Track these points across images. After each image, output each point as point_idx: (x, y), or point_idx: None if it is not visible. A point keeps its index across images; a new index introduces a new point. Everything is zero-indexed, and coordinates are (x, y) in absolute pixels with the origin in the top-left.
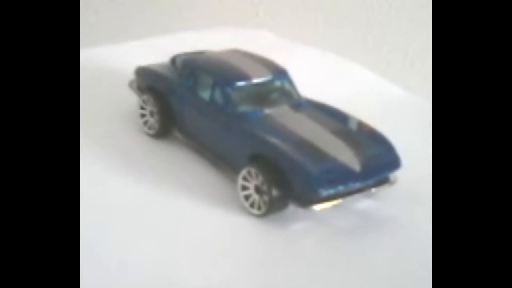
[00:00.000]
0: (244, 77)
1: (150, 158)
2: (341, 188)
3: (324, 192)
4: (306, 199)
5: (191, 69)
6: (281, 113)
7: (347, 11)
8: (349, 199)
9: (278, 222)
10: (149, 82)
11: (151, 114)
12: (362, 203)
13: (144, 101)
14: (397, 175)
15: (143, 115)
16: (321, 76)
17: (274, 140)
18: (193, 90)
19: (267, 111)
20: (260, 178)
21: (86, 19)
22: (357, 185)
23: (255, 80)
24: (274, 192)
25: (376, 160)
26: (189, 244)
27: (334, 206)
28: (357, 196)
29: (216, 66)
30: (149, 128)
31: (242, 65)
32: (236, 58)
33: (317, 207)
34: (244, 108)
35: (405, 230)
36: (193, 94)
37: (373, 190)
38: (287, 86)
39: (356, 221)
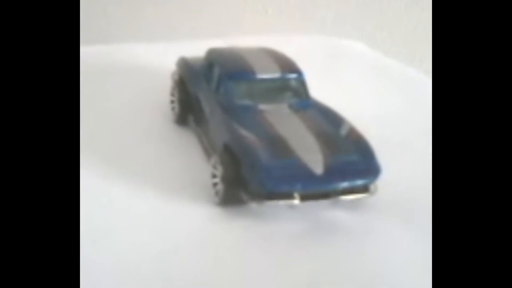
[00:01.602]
0: (249, 72)
1: (159, 143)
2: (295, 187)
3: (273, 187)
4: (259, 194)
5: (209, 61)
6: (275, 110)
7: (356, 8)
8: (315, 206)
9: (241, 214)
10: (180, 72)
11: (175, 102)
12: (331, 211)
13: (172, 90)
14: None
15: (172, 102)
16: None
17: (244, 133)
18: (207, 80)
19: (262, 106)
20: (220, 167)
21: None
22: (315, 187)
23: (260, 76)
24: (227, 183)
25: (347, 167)
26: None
27: (291, 207)
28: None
29: (228, 60)
30: (174, 115)
31: (254, 61)
32: (255, 54)
33: (269, 203)
34: (240, 101)
35: (358, 243)
36: (206, 85)
37: (348, 198)
38: (294, 85)
39: (309, 227)
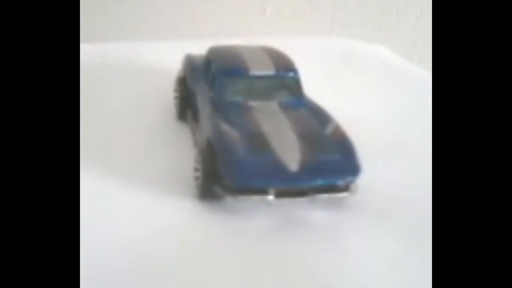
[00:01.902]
0: (242, 69)
1: (158, 138)
2: (267, 183)
3: (245, 183)
4: (233, 188)
5: (207, 58)
6: (264, 107)
7: (354, 9)
8: (293, 203)
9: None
10: (183, 69)
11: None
12: (311, 209)
13: (175, 86)
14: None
15: (175, 99)
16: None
17: (225, 128)
18: (204, 77)
19: (252, 103)
20: (199, 161)
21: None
22: (289, 184)
23: (253, 73)
24: (204, 176)
25: (324, 165)
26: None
27: (267, 203)
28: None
29: (225, 57)
30: (176, 111)
31: (250, 58)
32: (253, 52)
33: (243, 198)
34: (230, 97)
35: (331, 242)
36: (203, 81)
37: (325, 196)
38: (288, 83)
39: (284, 223)
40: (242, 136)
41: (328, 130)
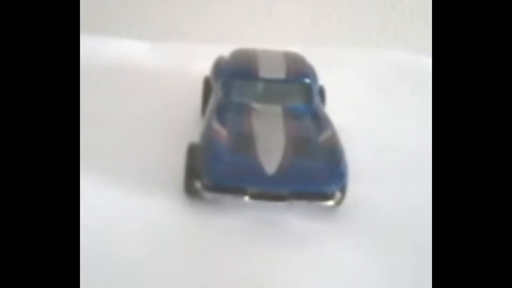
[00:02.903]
0: (252, 72)
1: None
2: (241, 182)
3: (219, 180)
4: (211, 186)
5: (226, 60)
6: (265, 110)
7: (360, 9)
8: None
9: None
10: (210, 70)
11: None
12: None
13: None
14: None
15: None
16: None
17: (216, 126)
18: (221, 78)
19: (256, 105)
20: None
21: None
22: (263, 186)
23: (263, 76)
24: (187, 173)
25: (303, 171)
26: None
27: (244, 204)
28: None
29: (239, 59)
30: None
31: (265, 62)
32: (272, 56)
33: (219, 196)
34: (236, 98)
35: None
36: (219, 82)
37: (302, 203)
38: (298, 89)
39: (260, 227)
40: (230, 136)
41: (322, 137)
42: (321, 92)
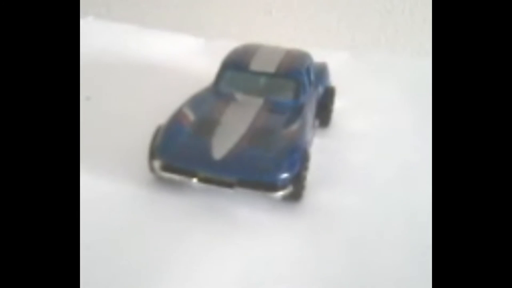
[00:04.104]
0: (243, 65)
1: None
2: (188, 164)
3: (167, 160)
4: (162, 165)
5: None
6: (245, 101)
7: (361, 11)
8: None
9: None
10: None
11: None
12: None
13: None
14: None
15: None
16: None
17: (184, 111)
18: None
19: (239, 96)
20: None
21: None
22: (208, 171)
23: (253, 69)
24: (149, 153)
25: (250, 160)
26: None
27: (191, 187)
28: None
29: (237, 52)
30: None
31: (260, 56)
32: (270, 51)
33: (169, 175)
34: (223, 88)
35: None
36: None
37: (247, 191)
38: (285, 84)
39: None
40: (195, 121)
41: (287, 130)
42: (329, 92)
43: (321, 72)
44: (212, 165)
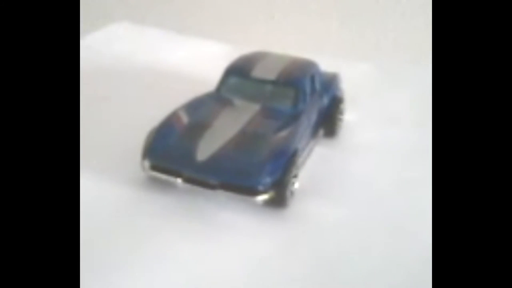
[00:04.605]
0: (244, 71)
1: None
2: (172, 165)
3: (154, 161)
4: (152, 166)
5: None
6: (242, 107)
7: (362, 15)
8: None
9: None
10: None
11: None
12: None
13: None
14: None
15: None
16: None
17: (179, 113)
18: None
19: (237, 101)
20: None
21: None
22: (190, 172)
23: (254, 76)
24: (142, 153)
25: (232, 164)
26: None
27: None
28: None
29: (243, 59)
30: None
31: (264, 64)
32: (274, 59)
33: (156, 175)
34: (223, 93)
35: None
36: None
37: (227, 194)
38: (285, 92)
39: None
40: (188, 124)
41: (276, 137)
42: (336, 102)
43: (330, 81)
44: (195, 166)
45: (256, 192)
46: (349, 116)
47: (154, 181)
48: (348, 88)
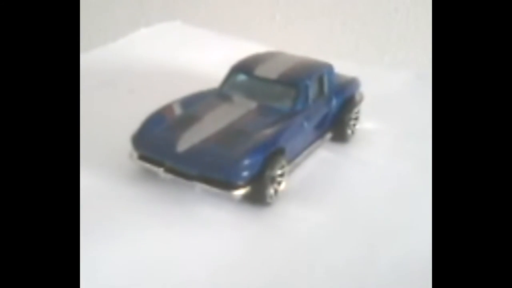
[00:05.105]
0: (248, 69)
1: None
2: (154, 154)
3: (139, 149)
4: (137, 153)
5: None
6: (239, 103)
7: (364, 16)
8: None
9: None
10: None
11: None
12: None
13: None
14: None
15: None
16: None
17: (172, 105)
18: None
19: (236, 98)
20: None
21: None
22: (170, 161)
23: (256, 74)
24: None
25: (209, 157)
26: None
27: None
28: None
29: (251, 58)
30: None
31: (269, 63)
32: (281, 58)
33: (141, 164)
34: (225, 89)
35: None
36: None
37: (203, 187)
38: (285, 91)
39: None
40: (178, 116)
41: (262, 133)
42: (349, 106)
43: (344, 85)
44: (174, 157)
45: (232, 186)
46: (368, 124)
47: (142, 171)
48: (378, 95)
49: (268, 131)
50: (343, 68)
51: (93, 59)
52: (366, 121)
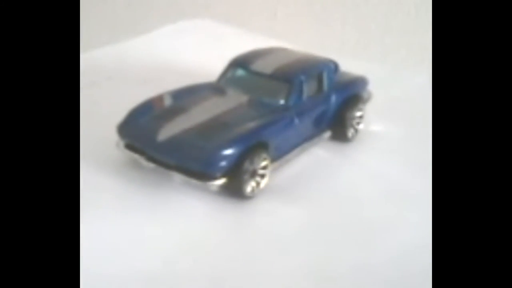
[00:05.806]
0: (245, 64)
1: None
2: (136, 142)
3: (124, 138)
4: (124, 144)
5: None
6: (232, 96)
7: (365, 14)
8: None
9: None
10: None
11: None
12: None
13: None
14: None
15: None
16: None
17: (163, 96)
18: None
19: (230, 91)
20: None
21: None
22: (149, 151)
23: (252, 69)
24: None
25: (187, 148)
26: None
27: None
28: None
29: (251, 53)
30: None
31: (267, 58)
32: (281, 54)
33: (127, 153)
34: (221, 82)
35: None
36: None
37: (180, 177)
38: (274, 85)
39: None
40: (167, 107)
41: (244, 126)
42: (351, 105)
43: (347, 83)
44: (154, 146)
45: (208, 177)
46: (375, 125)
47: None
48: (391, 98)
49: (251, 124)
50: (364, 69)
51: (95, 57)
52: (374, 123)
